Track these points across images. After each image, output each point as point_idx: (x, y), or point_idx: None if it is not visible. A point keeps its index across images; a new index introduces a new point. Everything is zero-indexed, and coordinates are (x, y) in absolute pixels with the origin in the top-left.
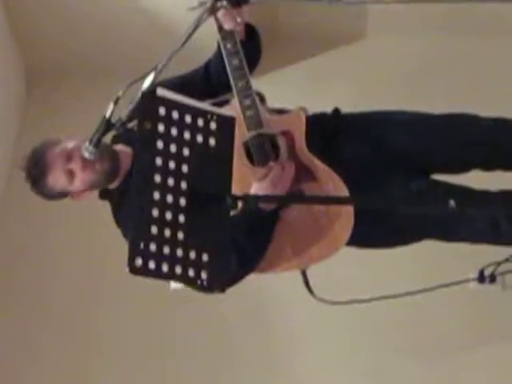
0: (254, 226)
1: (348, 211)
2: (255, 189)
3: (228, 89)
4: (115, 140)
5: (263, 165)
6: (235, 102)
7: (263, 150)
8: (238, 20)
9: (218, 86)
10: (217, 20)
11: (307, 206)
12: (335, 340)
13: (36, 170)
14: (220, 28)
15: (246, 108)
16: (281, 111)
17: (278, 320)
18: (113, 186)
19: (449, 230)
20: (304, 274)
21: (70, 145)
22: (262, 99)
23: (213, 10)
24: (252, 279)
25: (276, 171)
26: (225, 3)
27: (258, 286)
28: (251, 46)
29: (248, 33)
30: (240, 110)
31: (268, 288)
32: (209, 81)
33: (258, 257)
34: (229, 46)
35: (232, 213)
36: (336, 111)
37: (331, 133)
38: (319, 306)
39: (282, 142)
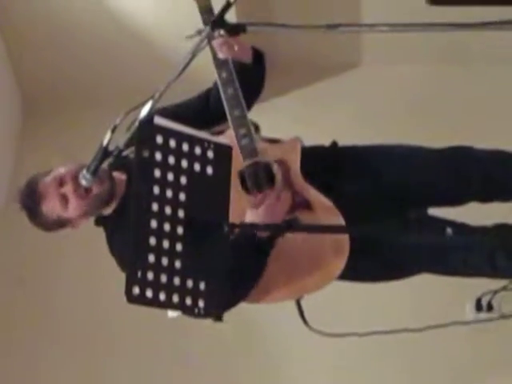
0: (248, 253)
1: (343, 241)
2: (250, 216)
3: (224, 119)
4: (110, 167)
5: (259, 193)
6: (230, 131)
7: (258, 179)
8: (236, 48)
9: (215, 115)
10: (212, 48)
11: (302, 235)
12: (329, 372)
13: (30, 200)
14: (215, 56)
15: (242, 137)
16: (275, 141)
17: (273, 349)
18: (107, 212)
19: (446, 264)
20: (299, 304)
21: (62, 170)
22: (257, 128)
23: (209, 39)
24: (248, 308)
25: (271, 199)
26: (222, 32)
27: (254, 316)
28: (258, 71)
29: (256, 57)
30: (235, 139)
31: (263, 317)
32: (207, 110)
33: (250, 284)
34: (224, 74)
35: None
36: (334, 144)
37: (328, 166)
38: (314, 336)
39: (277, 171)
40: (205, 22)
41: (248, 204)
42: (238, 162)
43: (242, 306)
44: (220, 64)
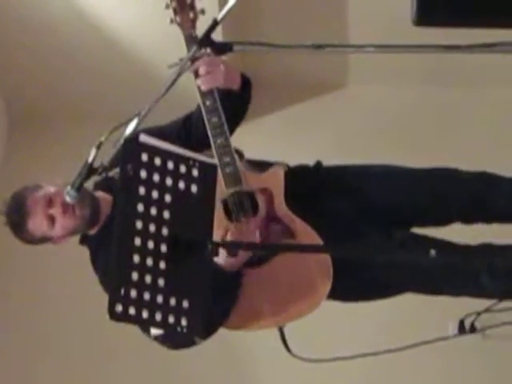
0: (219, 285)
1: (327, 267)
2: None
3: (205, 146)
4: (96, 187)
5: (240, 221)
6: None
7: (242, 208)
8: (220, 74)
9: (197, 140)
10: (196, 76)
11: (285, 264)
12: None
13: (16, 215)
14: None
15: (225, 165)
16: (260, 163)
17: (254, 375)
18: (92, 232)
19: (430, 284)
20: (281, 330)
21: (51, 190)
22: (241, 156)
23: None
24: (231, 334)
25: (246, 228)
26: (208, 51)
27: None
28: (244, 97)
29: (243, 83)
30: (219, 167)
31: (245, 342)
32: (187, 136)
33: (223, 315)
34: (208, 102)
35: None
36: (318, 164)
37: (313, 186)
38: (296, 362)
39: (260, 200)
40: (189, 50)
41: (227, 230)
42: (222, 190)
43: (226, 332)
44: (204, 92)
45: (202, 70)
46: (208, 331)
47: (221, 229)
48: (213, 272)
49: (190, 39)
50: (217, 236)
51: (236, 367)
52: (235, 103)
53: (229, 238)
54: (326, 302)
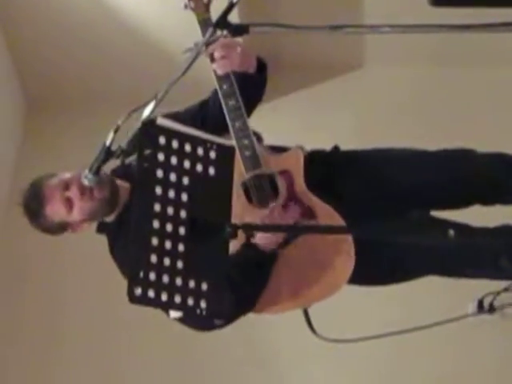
0: (252, 266)
1: (349, 249)
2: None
3: (222, 130)
4: (113, 175)
5: (262, 205)
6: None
7: (262, 191)
8: (236, 58)
9: (213, 127)
10: (212, 60)
11: (307, 246)
12: (334, 378)
13: (34, 201)
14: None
15: (244, 148)
16: (278, 149)
17: (278, 355)
18: (110, 219)
19: (449, 267)
20: (306, 312)
21: (67, 175)
22: (259, 138)
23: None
24: (253, 316)
25: (278, 213)
26: (225, 33)
27: (260, 323)
28: (260, 81)
29: (259, 66)
30: (238, 151)
31: (268, 325)
32: (203, 121)
33: (254, 297)
34: (225, 86)
35: (231, 250)
36: (335, 149)
37: (331, 171)
38: (319, 342)
39: (280, 182)
40: (204, 34)
41: (251, 216)
42: (241, 173)
43: (248, 315)
44: (221, 76)
45: (217, 54)
46: (238, 312)
47: (247, 213)
48: (249, 254)
49: (205, 24)
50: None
51: (257, 350)
52: (251, 86)
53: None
54: (346, 286)
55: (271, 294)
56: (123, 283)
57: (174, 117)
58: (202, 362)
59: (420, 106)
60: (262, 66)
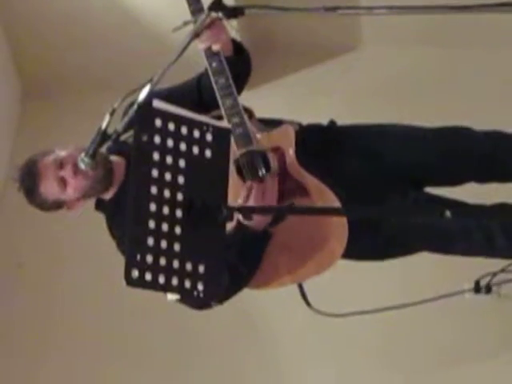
0: (246, 246)
1: (342, 225)
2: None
3: (213, 108)
4: (108, 152)
5: (255, 182)
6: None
7: (254, 167)
8: (223, 37)
9: (209, 101)
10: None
11: (301, 221)
12: (329, 352)
13: (28, 179)
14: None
15: (235, 126)
16: (271, 122)
17: (274, 331)
18: (107, 196)
19: (445, 243)
20: (301, 286)
21: (63, 153)
22: (251, 115)
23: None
24: (248, 293)
25: (257, 188)
26: (220, 14)
27: (255, 300)
28: (239, 62)
29: (236, 49)
30: None
31: (264, 300)
32: (200, 96)
33: (249, 275)
34: (214, 64)
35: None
36: (332, 123)
37: (327, 145)
38: (314, 317)
39: (272, 159)
40: (193, 13)
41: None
42: (233, 151)
43: (244, 291)
44: (210, 54)
45: (210, 32)
46: (233, 291)
47: (242, 190)
48: (242, 234)
49: (196, 8)
50: (239, 196)
51: (251, 325)
52: (237, 66)
53: (252, 198)
54: (342, 261)
55: (268, 271)
56: (117, 275)
57: (169, 94)
58: (197, 338)
59: (416, 87)
60: (238, 47)
